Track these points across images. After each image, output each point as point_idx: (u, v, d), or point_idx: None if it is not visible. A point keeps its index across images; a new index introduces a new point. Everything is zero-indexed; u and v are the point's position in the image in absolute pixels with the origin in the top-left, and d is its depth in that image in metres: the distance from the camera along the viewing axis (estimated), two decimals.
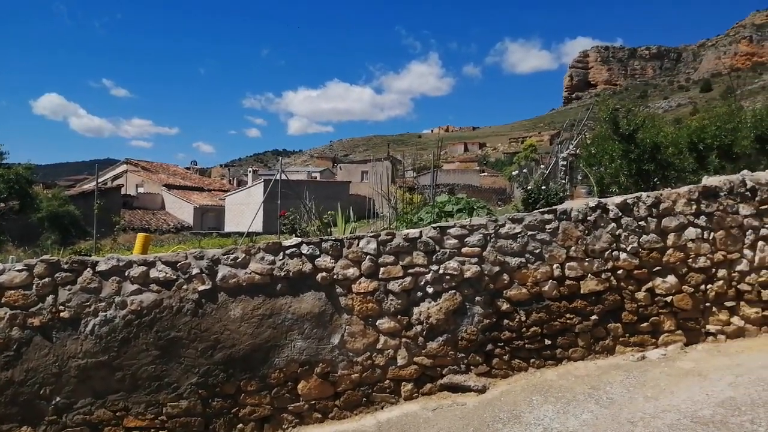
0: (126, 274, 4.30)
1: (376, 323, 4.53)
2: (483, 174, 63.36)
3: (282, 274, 4.43)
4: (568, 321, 4.73)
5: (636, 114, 11.76)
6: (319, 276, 4.46)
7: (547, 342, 4.71)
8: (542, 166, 18.77)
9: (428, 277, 4.63)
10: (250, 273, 4.40)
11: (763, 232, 4.99)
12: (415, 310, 4.61)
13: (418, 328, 4.60)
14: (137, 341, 4.25)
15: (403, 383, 4.56)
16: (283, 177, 18.63)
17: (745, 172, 5.30)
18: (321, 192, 24.52)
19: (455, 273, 4.63)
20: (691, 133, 10.96)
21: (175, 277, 4.33)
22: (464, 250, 4.68)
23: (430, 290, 4.63)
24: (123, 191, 39.52)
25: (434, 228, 4.72)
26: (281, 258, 4.46)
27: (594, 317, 4.76)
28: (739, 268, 4.96)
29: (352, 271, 4.50)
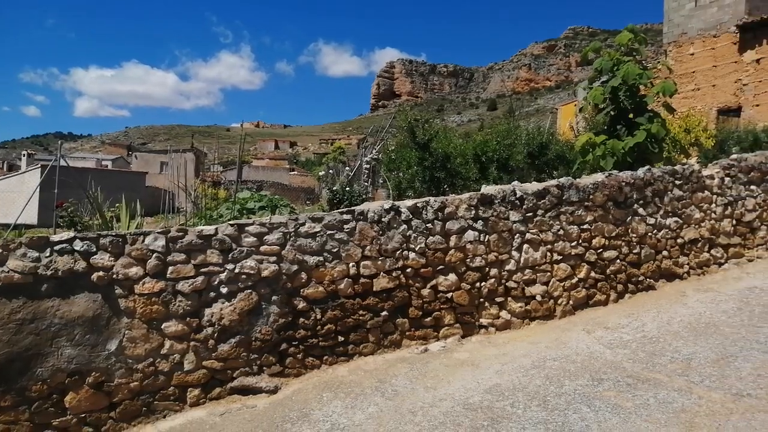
0: None
1: (162, 327, 4.20)
2: (293, 173, 63.49)
3: (49, 273, 3.88)
4: (360, 318, 4.89)
5: (431, 125, 12.72)
6: (94, 275, 4.00)
7: (341, 339, 4.82)
8: (347, 168, 19.38)
9: (223, 276, 4.43)
10: (8, 272, 3.78)
11: (528, 236, 5.69)
12: (207, 311, 4.38)
13: (210, 330, 4.37)
14: None
15: (189, 389, 4.29)
16: (67, 163, 16.52)
17: (515, 183, 6.00)
18: (112, 182, 22.33)
19: (252, 272, 4.50)
20: (476, 146, 12.15)
21: None
22: (263, 248, 4.57)
23: (224, 290, 4.43)
24: None
25: (231, 225, 4.54)
26: (48, 255, 3.91)
27: (384, 313, 4.99)
28: (508, 267, 5.59)
29: (135, 271, 4.12)
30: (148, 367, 4.17)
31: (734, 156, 7.74)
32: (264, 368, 4.55)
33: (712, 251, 6.94)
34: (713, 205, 7.00)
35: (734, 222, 7.16)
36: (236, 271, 4.44)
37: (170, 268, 4.23)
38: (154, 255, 4.18)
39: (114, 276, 4.07)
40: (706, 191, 6.94)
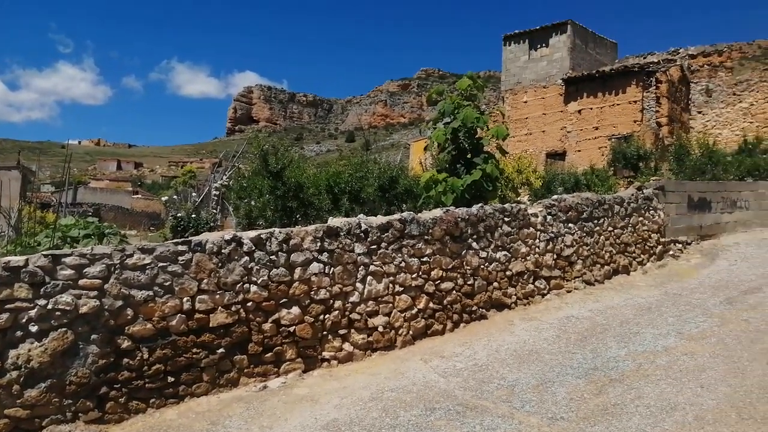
0: None
1: None
2: (137, 196, 59.30)
3: None
4: (194, 356, 4.62)
5: (285, 153, 12.63)
6: None
7: (171, 379, 4.49)
8: (195, 194, 18.54)
9: (33, 313, 3.94)
10: None
11: (371, 268, 5.81)
12: (12, 352, 3.87)
13: (15, 374, 3.85)
14: None
15: None
16: None
17: (361, 216, 6.13)
18: None
19: (69, 308, 4.06)
20: (329, 177, 12.27)
21: None
22: (82, 282, 4.15)
23: (34, 329, 3.94)
24: None
25: (45, 256, 4.07)
26: None
27: (221, 350, 4.76)
28: (352, 299, 5.65)
29: None
30: None
31: (555, 196, 8.64)
32: (80, 414, 4.09)
33: (537, 283, 7.61)
34: (537, 240, 7.71)
35: (555, 256, 7.94)
36: (49, 307, 3.98)
37: None
38: None
39: None
40: (531, 228, 7.63)
